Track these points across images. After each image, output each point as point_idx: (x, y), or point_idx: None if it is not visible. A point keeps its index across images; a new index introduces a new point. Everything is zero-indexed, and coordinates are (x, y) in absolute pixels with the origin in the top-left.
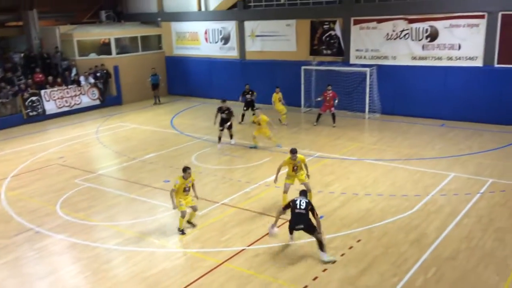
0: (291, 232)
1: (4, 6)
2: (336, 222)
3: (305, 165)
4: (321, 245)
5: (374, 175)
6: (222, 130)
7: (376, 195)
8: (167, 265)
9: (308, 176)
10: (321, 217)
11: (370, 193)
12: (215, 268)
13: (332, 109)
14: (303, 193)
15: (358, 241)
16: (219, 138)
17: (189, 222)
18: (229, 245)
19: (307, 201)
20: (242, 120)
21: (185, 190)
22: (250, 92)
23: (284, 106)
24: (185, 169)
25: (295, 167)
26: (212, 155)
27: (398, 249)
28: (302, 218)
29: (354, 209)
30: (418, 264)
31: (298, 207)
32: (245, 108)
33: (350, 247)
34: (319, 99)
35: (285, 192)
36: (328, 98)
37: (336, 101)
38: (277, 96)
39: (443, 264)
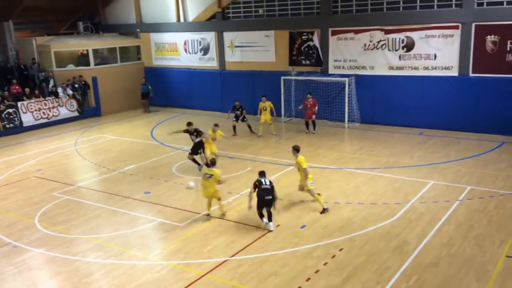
0: (260, 213)
1: None
2: (318, 231)
3: (303, 170)
4: (271, 217)
5: (354, 183)
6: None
7: (357, 203)
8: (149, 278)
9: (307, 185)
10: (303, 226)
11: (351, 201)
12: (197, 279)
13: (313, 116)
14: (262, 173)
15: (341, 249)
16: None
17: None
18: (211, 256)
19: (270, 180)
20: (235, 132)
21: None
22: (240, 109)
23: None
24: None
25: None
26: (193, 166)
27: (380, 257)
28: (268, 192)
29: (335, 218)
30: (400, 271)
31: (264, 183)
32: (234, 120)
33: (333, 256)
34: (300, 107)
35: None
36: (309, 106)
37: (316, 107)
38: (263, 104)
39: (425, 271)
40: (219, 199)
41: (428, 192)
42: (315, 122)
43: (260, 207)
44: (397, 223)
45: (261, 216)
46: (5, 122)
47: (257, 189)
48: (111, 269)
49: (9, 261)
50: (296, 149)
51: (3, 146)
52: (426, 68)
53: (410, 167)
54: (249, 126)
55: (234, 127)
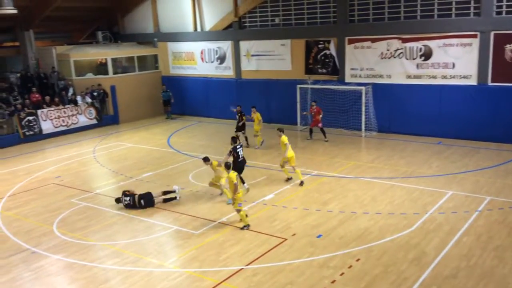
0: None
1: (0, 27)
2: (334, 241)
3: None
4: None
5: (372, 193)
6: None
7: (374, 213)
8: (165, 285)
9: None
10: (319, 236)
11: (368, 211)
12: (213, 287)
13: (320, 124)
14: (235, 140)
15: (357, 260)
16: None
17: None
18: (227, 264)
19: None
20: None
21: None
22: (240, 114)
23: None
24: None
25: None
26: (209, 174)
27: (398, 268)
28: (245, 162)
29: (352, 228)
30: (418, 283)
31: (240, 155)
32: (243, 132)
33: (350, 266)
34: (304, 113)
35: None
36: (313, 113)
37: (321, 116)
38: (253, 115)
39: (443, 283)
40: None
41: (447, 203)
42: (324, 130)
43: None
44: (415, 233)
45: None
46: (25, 130)
47: (233, 159)
48: (127, 276)
49: (27, 266)
50: (280, 130)
51: (23, 153)
52: (444, 77)
53: (428, 177)
54: (246, 138)
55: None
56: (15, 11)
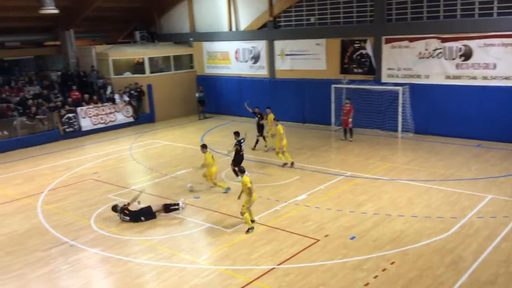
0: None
1: (42, 26)
2: (368, 243)
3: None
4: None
5: (407, 195)
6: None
7: (410, 216)
8: (197, 282)
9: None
10: (352, 237)
11: (403, 214)
12: (245, 286)
13: (350, 125)
14: (238, 133)
15: (392, 263)
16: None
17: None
18: (259, 263)
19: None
20: (255, 147)
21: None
22: (259, 116)
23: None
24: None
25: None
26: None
27: (434, 272)
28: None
29: (387, 230)
30: None
31: (242, 149)
32: (258, 134)
33: (384, 269)
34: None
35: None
36: (345, 111)
37: (351, 114)
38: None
39: None
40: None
41: (486, 207)
42: (352, 130)
43: (239, 165)
44: (452, 238)
45: (238, 173)
46: (65, 126)
47: (236, 151)
48: (161, 271)
49: (65, 259)
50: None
51: (63, 149)
52: (485, 78)
53: (467, 180)
54: (264, 138)
55: (257, 141)
56: (56, 11)
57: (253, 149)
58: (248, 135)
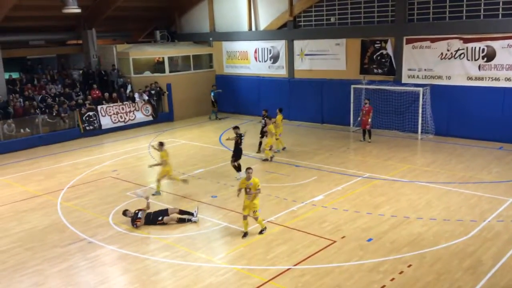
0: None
1: (65, 25)
2: (385, 246)
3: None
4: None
5: (426, 198)
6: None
7: (428, 219)
8: (213, 280)
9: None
10: (369, 239)
11: (422, 216)
12: (260, 286)
13: (368, 126)
14: (237, 127)
15: (409, 266)
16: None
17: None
18: (275, 263)
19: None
20: (259, 150)
21: (247, 193)
22: (265, 118)
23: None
24: (247, 169)
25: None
26: (259, 172)
27: (452, 276)
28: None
29: (404, 233)
30: None
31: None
32: (260, 136)
33: (401, 272)
34: (359, 118)
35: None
36: (364, 112)
37: (370, 114)
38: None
39: None
40: (255, 215)
41: (507, 211)
42: (371, 131)
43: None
44: (472, 241)
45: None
46: (85, 124)
47: (236, 144)
48: (177, 269)
49: (83, 255)
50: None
51: (83, 147)
52: (508, 80)
53: (487, 183)
54: (260, 143)
55: (260, 144)
56: (79, 10)
57: (258, 152)
58: (248, 134)
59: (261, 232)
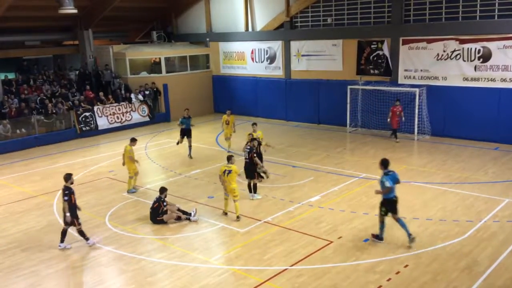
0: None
1: (61, 25)
2: (381, 246)
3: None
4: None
5: (423, 198)
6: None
7: (424, 219)
8: (210, 281)
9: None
10: (365, 240)
11: (418, 217)
12: (257, 286)
13: (398, 123)
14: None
15: (405, 266)
16: None
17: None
18: (271, 264)
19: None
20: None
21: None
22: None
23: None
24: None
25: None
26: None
27: (448, 277)
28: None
29: (400, 233)
30: None
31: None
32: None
33: (397, 272)
34: (388, 119)
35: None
36: (398, 112)
37: (402, 114)
38: (226, 118)
39: None
40: (235, 198)
41: (503, 211)
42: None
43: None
44: (468, 241)
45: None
46: (82, 125)
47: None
48: (174, 270)
49: (80, 256)
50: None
51: (80, 148)
52: (503, 80)
53: (483, 183)
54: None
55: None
56: (75, 11)
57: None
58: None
59: (237, 218)
